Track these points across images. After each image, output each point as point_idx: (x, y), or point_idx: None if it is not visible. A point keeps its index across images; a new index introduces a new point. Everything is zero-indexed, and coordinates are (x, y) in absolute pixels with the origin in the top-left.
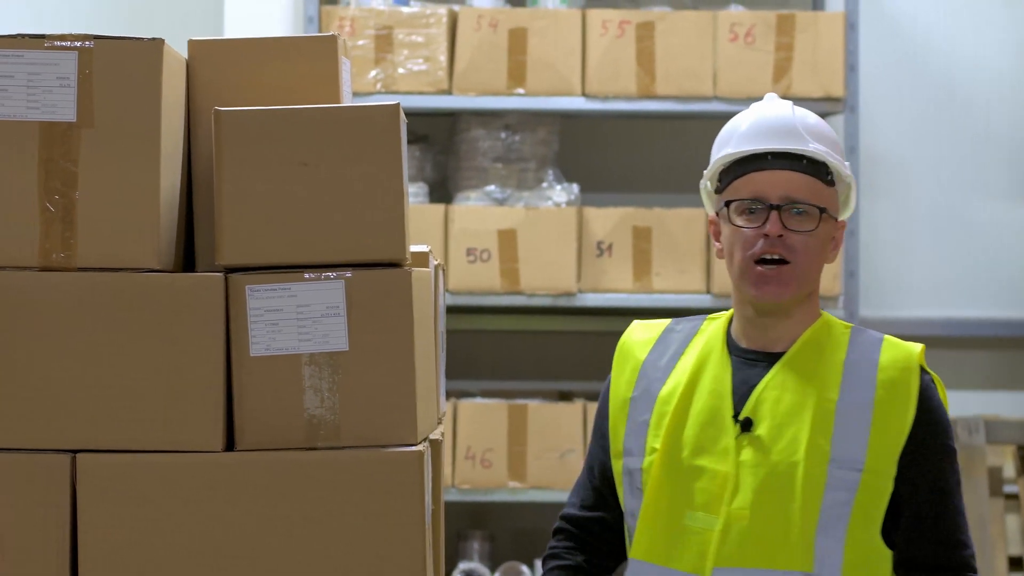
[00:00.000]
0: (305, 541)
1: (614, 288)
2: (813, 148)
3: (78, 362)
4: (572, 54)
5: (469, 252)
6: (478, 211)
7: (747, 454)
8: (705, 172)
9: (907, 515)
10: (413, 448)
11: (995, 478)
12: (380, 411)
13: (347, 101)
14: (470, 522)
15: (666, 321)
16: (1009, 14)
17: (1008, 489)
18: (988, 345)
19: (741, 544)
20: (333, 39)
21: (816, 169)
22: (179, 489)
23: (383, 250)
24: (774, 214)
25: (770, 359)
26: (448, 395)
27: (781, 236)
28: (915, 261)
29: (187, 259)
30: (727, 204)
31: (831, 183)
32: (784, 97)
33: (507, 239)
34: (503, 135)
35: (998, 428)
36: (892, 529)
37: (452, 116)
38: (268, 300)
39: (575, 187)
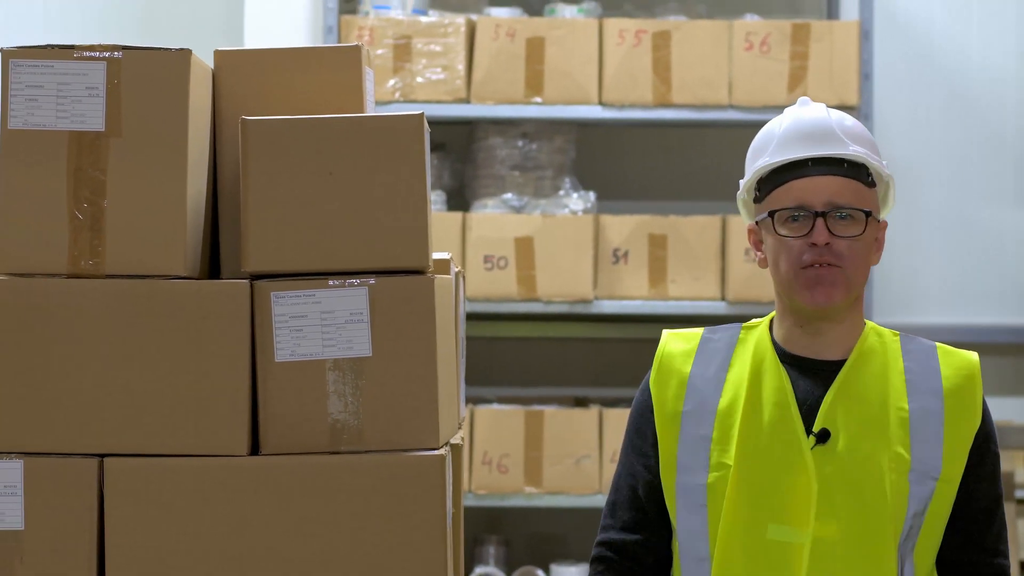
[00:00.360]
0: (328, 543)
1: (630, 295)
2: (853, 151)
3: (105, 368)
4: (589, 63)
5: (486, 259)
6: (495, 219)
7: (826, 466)
8: (742, 182)
9: (960, 522)
10: (435, 452)
11: (1007, 483)
12: (403, 416)
13: (370, 111)
14: (486, 527)
15: (699, 330)
16: (1020, 21)
17: (1020, 494)
18: (999, 351)
19: (832, 559)
20: (357, 49)
21: (857, 171)
22: (204, 492)
23: (406, 258)
24: (819, 222)
25: (827, 368)
26: (465, 401)
27: (828, 244)
28: (927, 267)
29: (212, 266)
30: (771, 214)
31: (872, 184)
32: None
33: (524, 246)
34: (520, 143)
35: (1010, 434)
36: (944, 537)
37: (470, 124)
38: (293, 306)
39: (591, 195)
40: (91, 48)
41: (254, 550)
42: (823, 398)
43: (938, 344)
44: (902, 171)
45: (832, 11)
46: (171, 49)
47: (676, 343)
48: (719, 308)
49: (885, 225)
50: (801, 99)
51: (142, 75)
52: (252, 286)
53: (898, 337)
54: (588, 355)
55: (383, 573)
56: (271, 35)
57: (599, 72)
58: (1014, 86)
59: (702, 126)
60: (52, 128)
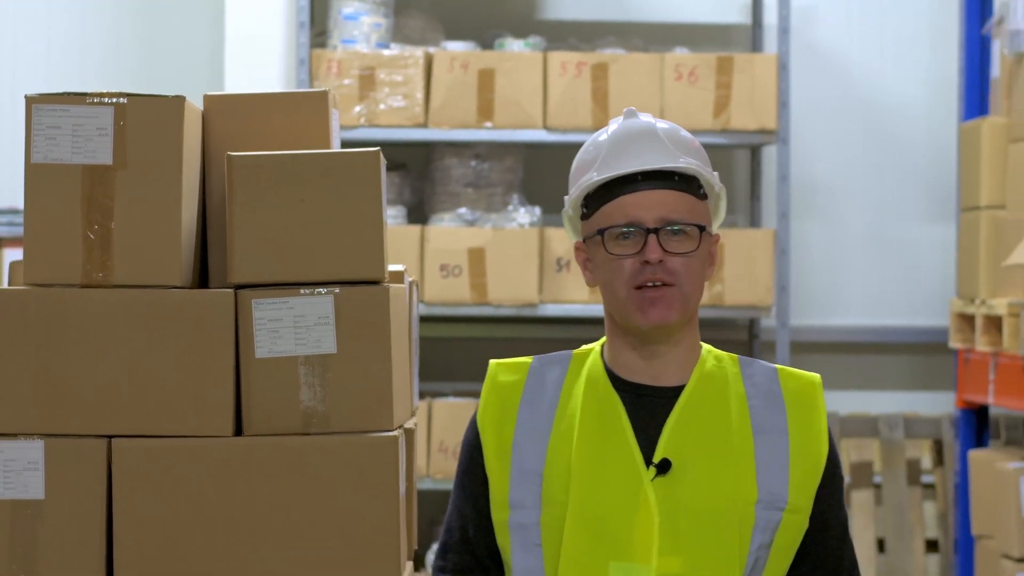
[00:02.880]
0: (300, 510)
1: (572, 299)
2: (684, 163)
3: (113, 362)
4: (535, 92)
5: (442, 268)
6: (451, 231)
7: (668, 499)
8: (567, 198)
9: (814, 550)
10: (390, 433)
11: (913, 469)
12: (363, 403)
13: (336, 145)
14: (442, 508)
15: (527, 360)
16: (930, 56)
17: (925, 479)
18: (907, 350)
19: None
20: (325, 94)
21: (688, 185)
22: (196, 467)
23: (365, 270)
24: (652, 238)
25: (666, 394)
26: (424, 395)
27: (662, 261)
28: (843, 276)
29: (202, 277)
30: (600, 232)
31: (704, 197)
32: (723, 130)
33: (476, 256)
34: (473, 163)
35: (916, 424)
36: (791, 565)
37: (428, 147)
38: (270, 311)
39: (537, 210)
40: (100, 95)
41: (238, 515)
42: (663, 427)
43: (779, 367)
44: (819, 189)
45: (756, 45)
46: (168, 96)
47: (504, 375)
48: None
49: (718, 239)
50: (627, 110)
51: (143, 118)
52: (236, 294)
53: (737, 360)
54: (534, 353)
55: (346, 536)
56: (249, 66)
57: (544, 100)
58: (925, 113)
59: None
60: (68, 162)
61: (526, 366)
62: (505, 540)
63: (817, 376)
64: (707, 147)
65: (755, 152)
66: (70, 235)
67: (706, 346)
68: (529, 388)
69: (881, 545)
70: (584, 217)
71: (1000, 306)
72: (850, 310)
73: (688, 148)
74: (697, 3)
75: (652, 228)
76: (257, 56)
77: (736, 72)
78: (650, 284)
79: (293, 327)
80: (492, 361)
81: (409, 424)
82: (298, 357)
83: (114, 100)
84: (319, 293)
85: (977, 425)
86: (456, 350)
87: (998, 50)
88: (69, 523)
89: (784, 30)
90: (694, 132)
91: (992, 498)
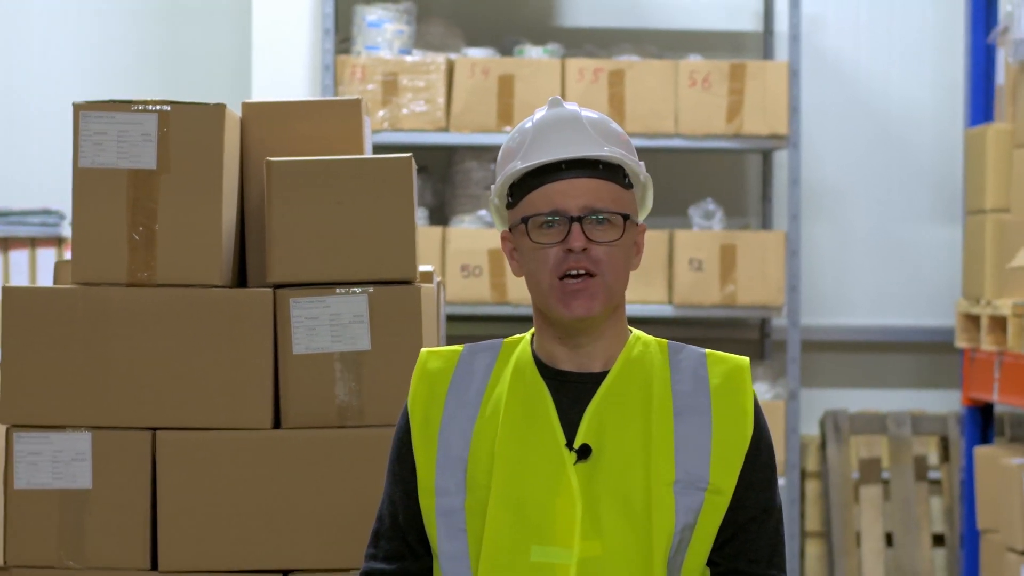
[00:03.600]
0: (335, 499)
1: None
2: (608, 151)
3: (157, 358)
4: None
5: (463, 268)
6: (471, 233)
7: (590, 483)
8: (493, 187)
9: (729, 531)
10: None
11: (920, 465)
12: (395, 397)
13: (368, 151)
14: None
15: (458, 348)
16: (937, 63)
17: (932, 475)
18: (914, 349)
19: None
20: (358, 102)
21: (613, 173)
22: (236, 458)
23: (398, 270)
24: (576, 227)
25: (590, 380)
26: None
27: (585, 249)
28: (852, 276)
29: (240, 276)
30: (524, 220)
31: (629, 186)
32: (735, 135)
33: (496, 257)
34: (493, 167)
35: (923, 421)
36: (714, 547)
37: (449, 150)
38: (307, 310)
39: None
40: (145, 103)
41: (275, 503)
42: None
43: (708, 351)
44: (828, 192)
45: (767, 52)
46: (209, 104)
47: (434, 362)
48: (667, 311)
49: (644, 229)
50: (552, 99)
51: (186, 124)
52: (275, 293)
53: (666, 346)
54: None
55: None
56: (276, 71)
57: None
58: (930, 118)
59: (652, 152)
60: (114, 167)
61: (456, 354)
62: (432, 526)
63: (745, 359)
64: (720, 152)
65: (766, 156)
66: (116, 236)
67: (636, 332)
68: (457, 375)
69: (889, 539)
70: (509, 206)
71: (1005, 307)
72: (859, 310)
73: (613, 137)
74: (710, 11)
75: (576, 216)
76: (283, 62)
77: (748, 78)
78: (573, 273)
79: (329, 325)
80: (423, 349)
81: None
82: (334, 353)
83: (158, 108)
84: (354, 292)
85: (982, 422)
86: None
87: (1003, 58)
88: (115, 511)
89: (795, 37)
90: (708, 137)
91: (997, 493)
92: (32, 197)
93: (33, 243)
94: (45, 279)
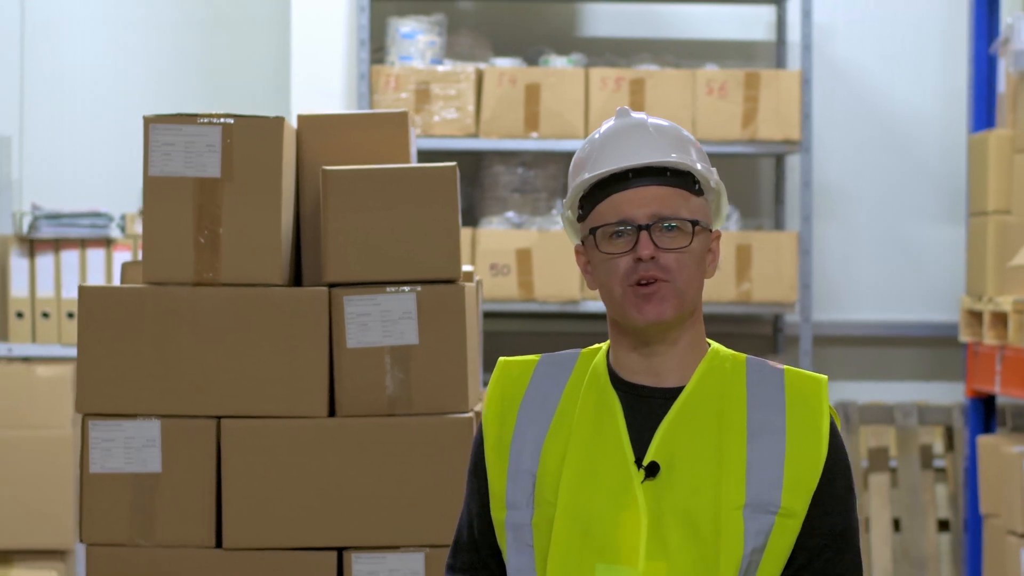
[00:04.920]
0: (385, 481)
1: None
2: (675, 158)
3: (221, 352)
4: (577, 105)
5: (492, 267)
6: (499, 234)
7: (657, 501)
8: (564, 201)
9: (802, 556)
10: (465, 415)
11: (926, 454)
12: (441, 388)
13: (413, 159)
14: None
15: (535, 358)
16: (941, 71)
17: (937, 463)
18: (920, 343)
19: None
20: (405, 115)
21: (682, 181)
22: (294, 444)
23: (443, 270)
24: (644, 235)
25: (664, 395)
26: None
27: (654, 258)
28: (861, 274)
29: (295, 276)
30: (592, 232)
31: (700, 193)
32: (751, 140)
33: (523, 256)
34: (520, 171)
35: (929, 412)
36: (787, 573)
37: (478, 155)
38: (360, 307)
39: None
40: (209, 116)
41: (331, 486)
42: (656, 428)
43: (786, 368)
44: (838, 193)
45: (780, 60)
46: (269, 117)
47: (510, 372)
48: None
49: (718, 235)
50: (620, 109)
51: (248, 135)
52: (330, 292)
53: (744, 361)
54: (576, 347)
55: (425, 504)
56: (314, 80)
57: (585, 112)
58: (935, 124)
59: None
60: (181, 175)
61: (532, 364)
62: (503, 539)
63: (823, 377)
64: (735, 156)
65: (779, 160)
66: (183, 239)
67: (715, 345)
68: (532, 387)
69: (897, 524)
70: (580, 219)
71: (1006, 303)
72: (867, 306)
73: (682, 144)
74: (724, 21)
75: (643, 224)
76: (321, 71)
77: (763, 87)
78: (643, 282)
79: (380, 321)
80: (501, 359)
81: (478, 407)
82: (384, 347)
83: (222, 120)
84: (403, 291)
85: (985, 413)
86: (505, 343)
87: (1004, 68)
88: (183, 494)
89: (807, 47)
90: (724, 142)
91: (998, 480)
92: (81, 200)
93: (83, 244)
94: (95, 278)
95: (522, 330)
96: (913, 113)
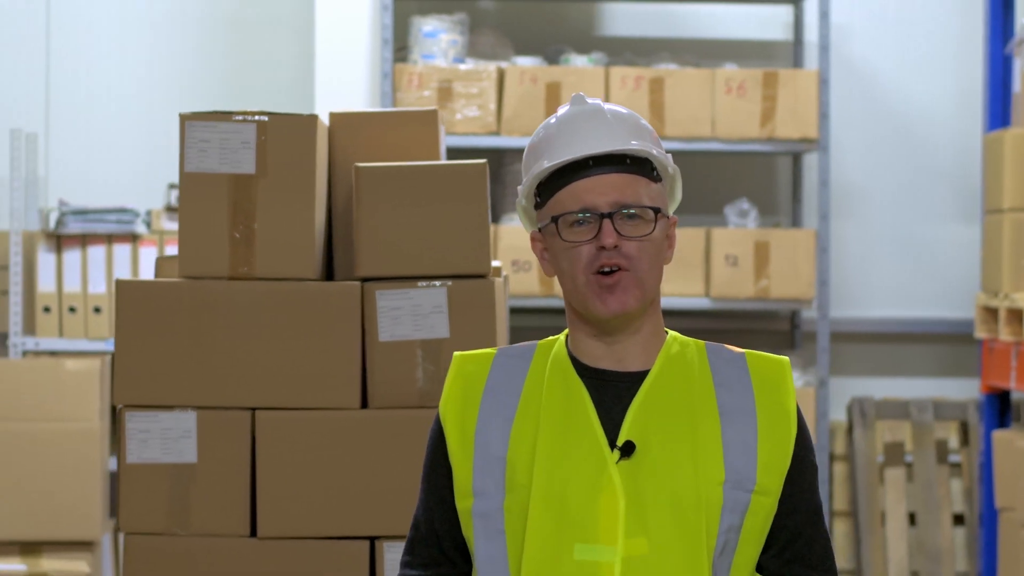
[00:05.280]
0: (415, 471)
1: None
2: (635, 145)
3: (256, 344)
4: None
5: (514, 263)
6: (521, 230)
7: (633, 481)
8: (520, 188)
9: (783, 535)
10: None
11: (941, 449)
12: None
13: (443, 156)
14: None
15: (491, 351)
16: (957, 69)
17: (952, 458)
18: (936, 339)
19: (645, 575)
20: (434, 113)
21: (641, 168)
22: (327, 436)
23: (473, 265)
24: (607, 223)
25: (630, 379)
26: None
27: (617, 246)
28: (877, 271)
29: (327, 271)
30: (555, 220)
31: (658, 179)
32: (769, 139)
33: None
34: None
35: (944, 408)
36: (769, 554)
37: (499, 152)
38: (392, 301)
39: None
40: (244, 114)
41: (363, 476)
42: (627, 410)
43: (747, 352)
44: (854, 192)
45: (797, 61)
46: (302, 115)
47: (468, 366)
48: (704, 304)
49: (675, 221)
50: (575, 95)
51: (282, 133)
52: (362, 286)
53: (704, 346)
54: None
55: None
56: (338, 78)
57: None
58: (949, 122)
59: (690, 154)
60: (216, 171)
61: (490, 357)
62: (469, 529)
63: (785, 359)
64: (753, 154)
65: (797, 159)
66: (218, 234)
67: (672, 332)
68: (492, 378)
69: (912, 518)
70: (538, 206)
71: (1021, 300)
72: (884, 303)
73: (639, 131)
74: (742, 21)
75: (606, 213)
76: (344, 70)
77: (780, 86)
78: (606, 270)
79: (411, 315)
80: (456, 353)
81: None
82: (415, 341)
83: (256, 118)
84: (434, 285)
85: (1000, 408)
86: (527, 338)
87: (1019, 67)
88: (218, 484)
89: (824, 47)
90: (742, 140)
91: (1013, 474)
92: (106, 196)
93: (110, 239)
94: (121, 273)
95: (543, 325)
96: (929, 112)
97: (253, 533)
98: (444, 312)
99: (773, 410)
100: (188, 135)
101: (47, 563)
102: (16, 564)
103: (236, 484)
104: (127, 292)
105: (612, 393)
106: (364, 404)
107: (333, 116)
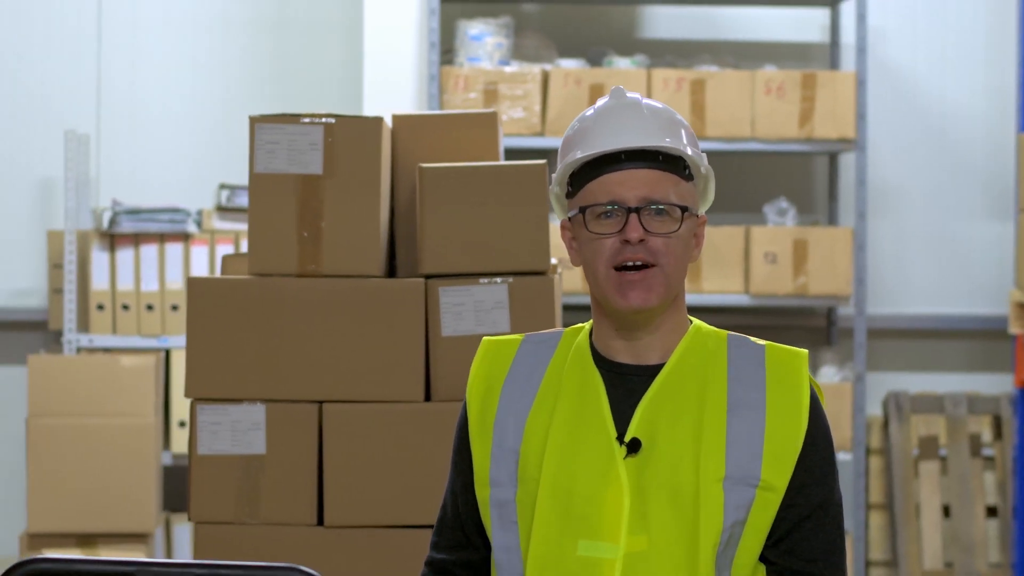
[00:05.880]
0: None
1: None
2: (668, 143)
3: (323, 340)
4: None
5: (559, 261)
6: None
7: (638, 476)
8: (554, 176)
9: (782, 528)
10: None
11: (975, 443)
12: None
13: (502, 157)
14: None
15: (518, 337)
16: (990, 70)
17: (986, 452)
18: (969, 335)
19: (643, 573)
20: (495, 115)
21: (673, 165)
22: (392, 427)
23: (533, 263)
24: (633, 217)
25: (646, 372)
26: None
27: (643, 240)
28: (912, 268)
29: (390, 268)
30: (582, 210)
31: (689, 178)
32: (807, 139)
33: None
34: None
35: (977, 402)
36: (768, 545)
37: (544, 153)
38: (454, 297)
39: None
40: (311, 116)
41: (426, 467)
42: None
43: (768, 344)
44: (890, 191)
45: (835, 63)
46: (368, 117)
47: (494, 351)
48: (743, 300)
49: (704, 221)
50: (614, 88)
51: (348, 134)
52: (426, 283)
53: (725, 338)
54: None
55: None
56: (386, 81)
57: None
58: (982, 122)
59: (730, 154)
60: (285, 172)
61: (516, 343)
62: (487, 517)
63: (804, 351)
64: (792, 154)
65: (833, 158)
66: (287, 233)
67: (697, 323)
68: (516, 366)
69: (946, 510)
70: (569, 196)
71: None
72: (918, 300)
73: (675, 128)
74: (780, 23)
75: (633, 207)
76: (392, 72)
77: (819, 87)
78: (630, 264)
79: (473, 310)
80: (484, 339)
81: None
82: (478, 335)
83: (323, 120)
84: (495, 282)
85: None
86: None
87: None
88: (286, 474)
89: (862, 50)
90: (781, 140)
91: None
92: (157, 196)
93: (162, 238)
94: (173, 272)
95: (584, 320)
96: (963, 112)
97: (320, 522)
98: (505, 308)
99: (784, 404)
100: (257, 137)
101: (103, 554)
102: (74, 555)
103: (304, 474)
104: (199, 289)
105: (627, 387)
106: (427, 397)
107: (396, 118)
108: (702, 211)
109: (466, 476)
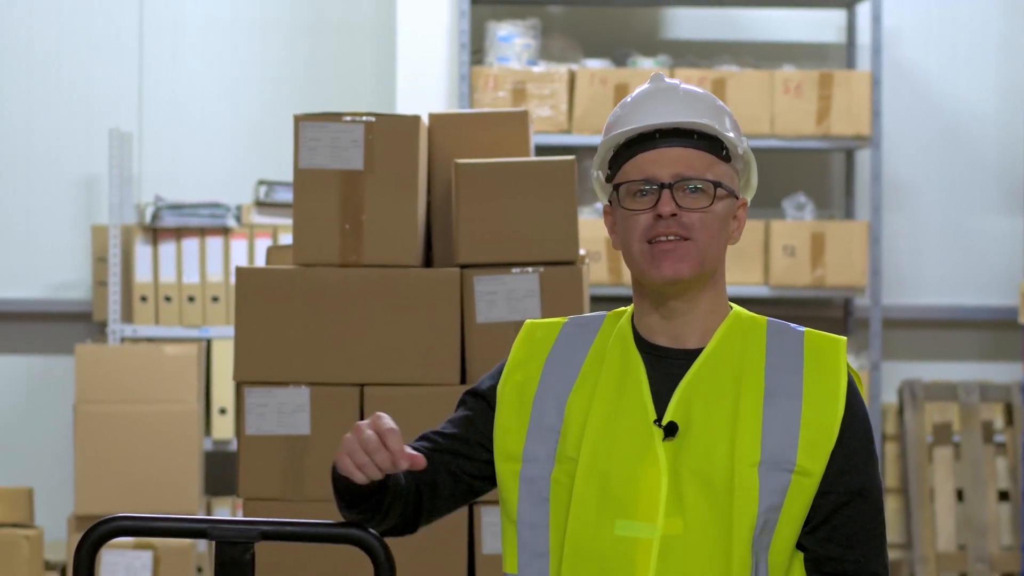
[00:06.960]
0: None
1: None
2: (703, 121)
3: (364, 326)
4: None
5: (585, 254)
6: (589, 223)
7: (674, 460)
8: (594, 160)
9: (819, 515)
10: None
11: (987, 430)
12: None
13: (532, 154)
14: None
15: (562, 319)
16: (1001, 69)
17: (998, 438)
18: (982, 326)
19: (682, 556)
20: (525, 114)
21: (709, 145)
22: (430, 409)
23: (563, 253)
24: (666, 193)
25: (685, 356)
26: None
27: (675, 215)
28: (926, 261)
29: (426, 258)
30: (616, 188)
31: (727, 158)
32: (824, 136)
33: (612, 244)
34: None
35: (990, 390)
36: (805, 531)
37: (571, 150)
38: (488, 286)
39: None
40: (353, 114)
41: None
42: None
43: (807, 331)
44: (905, 186)
45: (851, 63)
46: (407, 116)
47: (537, 332)
48: (763, 291)
49: (745, 203)
50: (655, 74)
51: (388, 132)
52: (461, 272)
53: (764, 324)
54: None
55: None
56: (418, 80)
57: None
58: (994, 119)
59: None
60: (328, 168)
61: (559, 325)
62: (513, 491)
63: (842, 338)
64: (810, 151)
65: (850, 155)
66: (329, 226)
67: (737, 308)
68: (557, 347)
69: (960, 495)
70: (609, 179)
71: None
72: (932, 291)
73: (714, 111)
74: (798, 25)
75: (667, 183)
76: (424, 72)
77: (835, 86)
78: (663, 238)
79: (506, 299)
80: (527, 321)
81: None
82: (510, 322)
83: (364, 119)
84: (527, 272)
85: None
86: None
87: None
88: (329, 454)
89: (877, 50)
90: (799, 138)
91: None
92: (197, 191)
93: (202, 232)
94: (214, 265)
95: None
96: (975, 110)
97: None
98: (536, 296)
99: (820, 389)
100: (301, 134)
101: (149, 536)
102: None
103: None
104: (246, 279)
105: (667, 370)
106: (463, 380)
107: (432, 116)
108: (745, 196)
109: (475, 435)
